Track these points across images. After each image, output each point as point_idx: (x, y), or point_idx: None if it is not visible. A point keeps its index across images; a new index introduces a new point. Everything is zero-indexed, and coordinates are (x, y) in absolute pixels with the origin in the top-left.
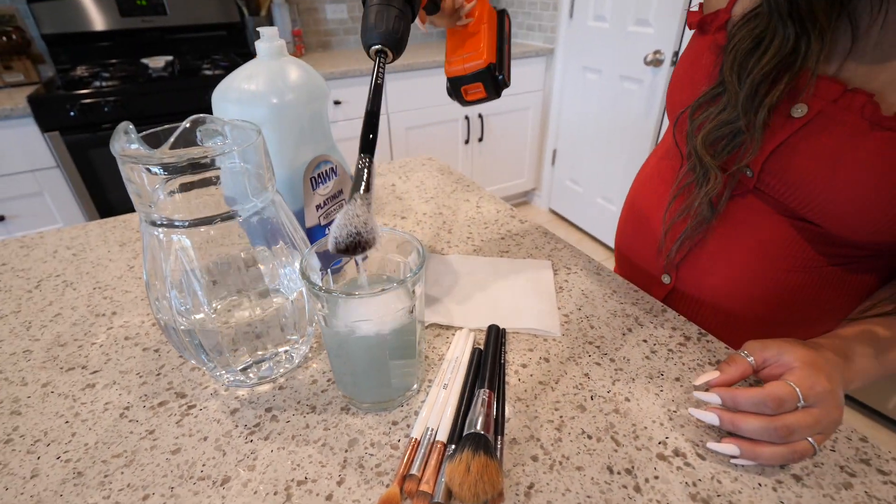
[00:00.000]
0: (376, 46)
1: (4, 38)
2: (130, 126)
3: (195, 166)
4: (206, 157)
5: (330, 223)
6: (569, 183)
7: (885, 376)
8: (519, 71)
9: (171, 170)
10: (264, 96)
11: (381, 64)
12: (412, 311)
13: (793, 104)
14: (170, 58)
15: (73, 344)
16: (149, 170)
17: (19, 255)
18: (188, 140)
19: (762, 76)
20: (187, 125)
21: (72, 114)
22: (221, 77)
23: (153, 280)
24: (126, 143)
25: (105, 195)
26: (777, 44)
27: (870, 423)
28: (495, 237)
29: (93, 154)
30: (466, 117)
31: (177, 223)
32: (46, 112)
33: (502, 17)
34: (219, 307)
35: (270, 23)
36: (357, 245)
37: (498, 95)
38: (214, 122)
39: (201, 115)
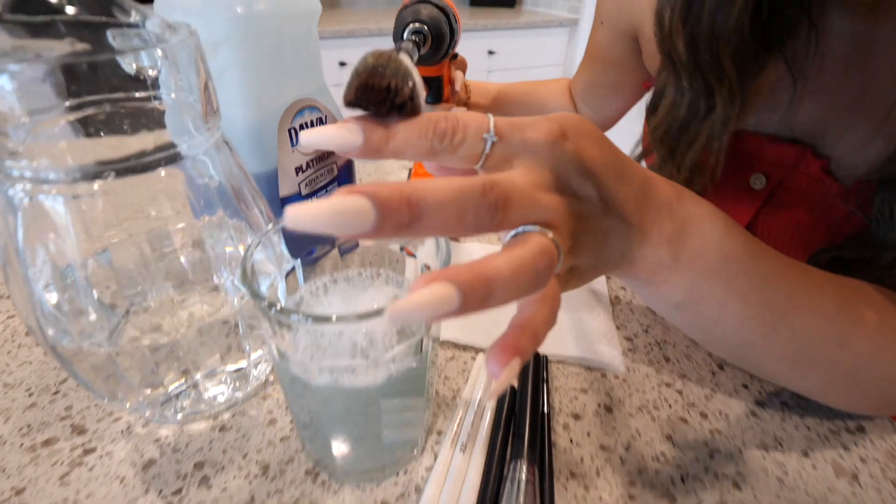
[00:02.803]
0: (413, 26)
1: None
2: None
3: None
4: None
5: (314, 193)
6: None
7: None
8: (538, 41)
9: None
10: (225, 2)
11: (415, 50)
12: (422, 346)
13: (750, 174)
14: None
15: None
16: None
17: None
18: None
19: (662, 136)
20: None
21: None
22: None
23: (12, 275)
24: None
25: None
26: (668, 102)
27: None
28: None
29: None
30: None
31: (51, 177)
32: None
33: None
34: (133, 308)
35: None
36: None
37: None
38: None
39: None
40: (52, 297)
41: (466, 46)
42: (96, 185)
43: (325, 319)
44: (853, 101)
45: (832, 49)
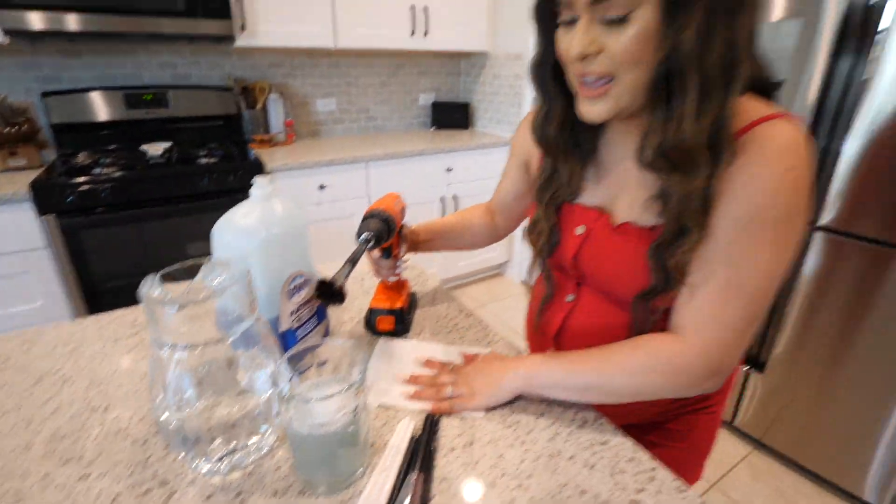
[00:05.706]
0: (364, 235)
1: (16, 128)
2: (157, 279)
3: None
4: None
5: (301, 326)
6: None
7: (572, 376)
8: (488, 158)
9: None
10: (256, 230)
11: (365, 247)
12: (355, 410)
13: (576, 226)
14: (168, 144)
15: (71, 437)
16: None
17: (21, 351)
18: (189, 272)
19: (538, 189)
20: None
21: (69, 199)
22: (216, 165)
23: (157, 386)
24: (151, 288)
25: (88, 271)
26: (539, 167)
27: (785, 471)
28: (443, 331)
29: (84, 235)
30: (441, 198)
31: (178, 345)
32: (45, 197)
33: (414, 296)
34: (202, 406)
35: (265, 114)
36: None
37: (403, 333)
38: (213, 265)
39: (207, 261)
40: (173, 396)
41: (429, 165)
42: (198, 350)
43: (307, 399)
44: (635, 181)
45: (616, 149)
